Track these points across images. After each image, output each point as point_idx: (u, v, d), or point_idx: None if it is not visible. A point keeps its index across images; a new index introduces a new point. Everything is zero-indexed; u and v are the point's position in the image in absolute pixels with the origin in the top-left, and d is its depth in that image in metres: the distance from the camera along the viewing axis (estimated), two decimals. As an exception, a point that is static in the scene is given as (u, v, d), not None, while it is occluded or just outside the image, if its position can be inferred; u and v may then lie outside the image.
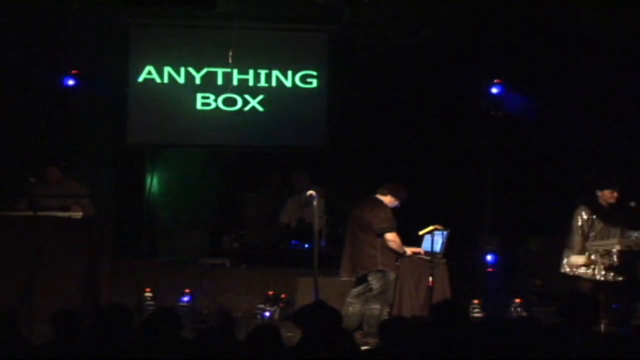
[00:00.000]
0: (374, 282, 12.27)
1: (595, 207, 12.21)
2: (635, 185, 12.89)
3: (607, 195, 12.20)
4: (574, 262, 12.17)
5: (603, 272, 12.09)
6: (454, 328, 7.65)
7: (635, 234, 11.94)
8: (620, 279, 12.09)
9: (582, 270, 12.14)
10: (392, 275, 12.29)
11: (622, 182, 12.40)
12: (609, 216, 12.18)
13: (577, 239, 12.20)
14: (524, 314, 13.07)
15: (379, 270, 12.27)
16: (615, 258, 12.03)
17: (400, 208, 12.53)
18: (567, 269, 12.28)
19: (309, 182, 14.90)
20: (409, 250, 12.42)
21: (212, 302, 13.33)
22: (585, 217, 12.17)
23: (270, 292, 13.52)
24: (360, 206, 12.69)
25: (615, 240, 12.04)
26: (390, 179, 12.75)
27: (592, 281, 12.11)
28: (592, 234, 12.16)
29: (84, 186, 13.38)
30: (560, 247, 14.74)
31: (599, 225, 12.17)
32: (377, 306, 12.20)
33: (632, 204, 12.19)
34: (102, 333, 7.63)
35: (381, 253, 12.25)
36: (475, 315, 13.03)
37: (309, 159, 15.91)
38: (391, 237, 12.24)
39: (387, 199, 12.40)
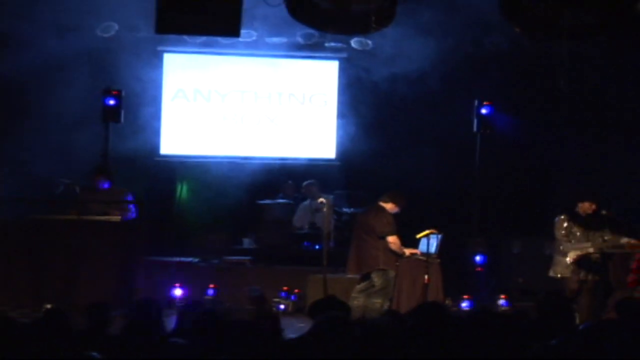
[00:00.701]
0: (376, 279, 12.22)
1: (574, 216, 12.17)
2: (611, 196, 12.86)
3: (586, 207, 12.16)
4: (560, 262, 12.16)
5: (584, 273, 12.05)
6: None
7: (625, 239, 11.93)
8: (598, 278, 12.07)
9: (567, 272, 12.10)
10: (392, 274, 12.24)
11: (600, 195, 12.37)
12: (587, 224, 12.14)
13: (560, 244, 12.18)
14: (508, 308, 13.02)
15: (380, 269, 12.22)
16: (590, 260, 12.01)
17: (400, 214, 12.48)
18: (554, 274, 12.24)
19: (319, 190, 14.89)
20: (407, 252, 12.37)
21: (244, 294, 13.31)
22: (565, 225, 12.13)
23: (285, 288, 13.49)
24: (364, 212, 12.69)
25: (589, 244, 12.00)
26: (392, 189, 12.71)
27: (577, 281, 12.08)
28: (572, 241, 12.12)
29: (127, 192, 13.38)
30: (539, 250, 14.78)
31: (578, 232, 12.12)
32: (379, 300, 12.15)
33: (604, 212, 12.17)
34: (136, 324, 7.58)
35: (383, 254, 12.20)
36: (465, 309, 12.99)
37: (319, 170, 15.86)
38: (392, 240, 12.19)
39: (389, 206, 12.36)
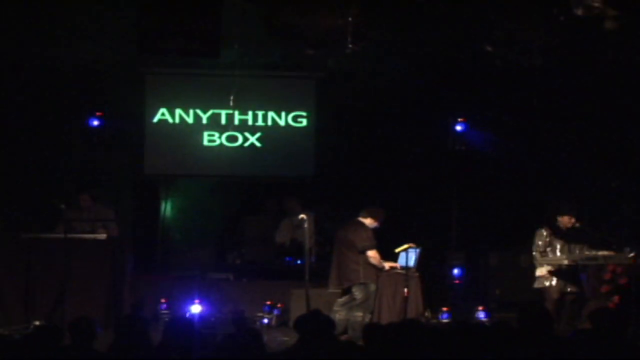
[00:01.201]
0: (357, 292, 12.30)
1: (554, 230, 12.31)
2: (587, 208, 13.00)
3: (565, 221, 12.31)
4: (540, 274, 12.30)
5: (562, 284, 12.20)
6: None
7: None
8: (576, 290, 12.22)
9: (548, 283, 12.24)
10: (372, 287, 12.33)
11: (579, 209, 12.50)
12: (567, 237, 12.29)
13: (539, 256, 12.32)
14: (487, 319, 13.10)
15: (361, 283, 12.31)
16: (564, 271, 12.16)
17: (379, 229, 12.57)
18: (540, 285, 12.38)
19: (301, 207, 14.95)
20: (387, 265, 12.46)
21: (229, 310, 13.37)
22: (545, 238, 12.28)
23: (268, 302, 13.54)
24: (344, 227, 12.76)
25: (564, 257, 12.14)
26: (370, 204, 12.80)
27: (556, 292, 12.22)
28: (550, 254, 12.26)
29: (111, 211, 13.44)
30: (516, 262, 14.91)
31: (558, 246, 12.27)
32: (360, 313, 12.23)
33: (577, 224, 12.32)
34: (124, 339, 7.62)
35: (363, 268, 12.29)
36: (444, 320, 13.07)
37: (300, 187, 15.93)
38: (372, 254, 12.29)
39: (368, 221, 12.46)
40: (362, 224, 12.45)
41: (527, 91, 15.02)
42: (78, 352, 7.27)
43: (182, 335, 7.38)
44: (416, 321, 8.47)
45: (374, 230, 12.47)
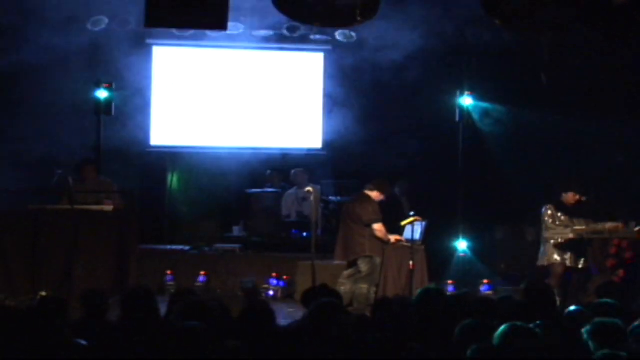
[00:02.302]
0: (363, 265, 12.32)
1: (559, 206, 12.31)
2: (593, 182, 12.98)
3: (570, 197, 12.31)
4: (545, 250, 12.32)
5: (568, 258, 12.20)
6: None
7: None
8: (581, 264, 12.23)
9: (553, 258, 12.24)
10: (378, 260, 12.34)
11: (584, 185, 12.49)
12: (572, 213, 12.28)
13: (546, 232, 12.33)
14: (491, 293, 13.12)
15: (367, 256, 12.32)
16: (570, 245, 12.15)
17: (385, 202, 12.59)
18: (545, 262, 12.38)
19: (308, 179, 14.97)
20: (392, 239, 12.47)
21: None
22: (550, 214, 12.28)
23: (274, 274, 13.57)
24: (351, 201, 12.79)
25: (568, 231, 12.14)
26: (377, 177, 12.80)
27: (561, 266, 12.22)
28: (557, 229, 12.26)
29: (114, 183, 13.47)
30: (521, 236, 14.91)
31: (563, 221, 12.26)
32: (366, 286, 12.26)
33: (584, 199, 12.31)
34: (130, 311, 7.64)
35: (369, 241, 12.31)
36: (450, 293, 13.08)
37: (307, 160, 15.92)
38: (378, 227, 12.30)
39: (374, 194, 12.46)
40: (369, 197, 12.45)
41: (535, 66, 14.98)
42: (91, 324, 7.30)
43: (188, 307, 7.39)
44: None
45: (380, 203, 12.48)
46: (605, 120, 14.45)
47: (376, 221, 12.32)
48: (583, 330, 6.45)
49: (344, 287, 12.26)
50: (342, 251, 12.62)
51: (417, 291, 8.62)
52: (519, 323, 6.20)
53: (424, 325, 7.30)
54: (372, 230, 12.27)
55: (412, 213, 12.69)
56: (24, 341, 6.26)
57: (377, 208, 12.38)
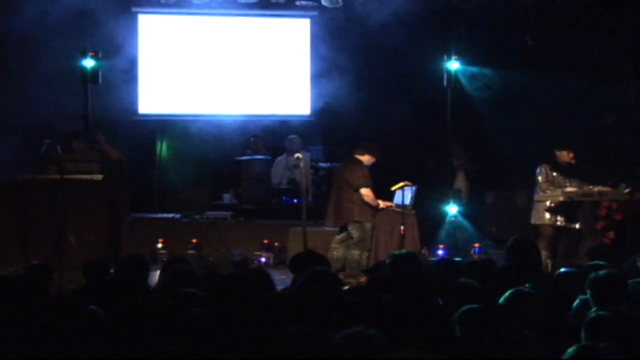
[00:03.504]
0: (353, 231, 12.33)
1: (553, 165, 12.35)
2: (585, 149, 13.00)
3: (564, 155, 12.35)
4: (536, 210, 12.39)
5: (558, 220, 12.27)
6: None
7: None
8: (571, 226, 12.29)
9: (543, 219, 12.31)
10: (368, 225, 12.35)
11: (577, 144, 12.52)
12: (566, 173, 12.32)
13: (538, 192, 12.38)
14: (482, 256, 13.15)
15: (356, 221, 12.33)
16: (560, 207, 12.21)
17: (375, 167, 12.58)
18: (535, 221, 12.46)
19: (301, 146, 14.94)
20: (382, 204, 12.47)
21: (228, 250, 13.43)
22: (545, 173, 12.33)
23: (266, 241, 13.61)
24: (341, 166, 12.78)
25: (559, 192, 12.18)
26: (364, 140, 12.78)
27: (552, 227, 12.29)
28: (549, 189, 12.31)
29: (99, 150, 13.46)
30: (511, 200, 14.94)
31: (557, 181, 12.31)
32: (357, 251, 12.27)
33: (574, 161, 12.36)
34: (123, 279, 7.66)
35: (358, 206, 12.30)
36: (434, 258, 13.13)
37: (296, 126, 15.90)
38: (365, 192, 12.29)
39: (365, 158, 12.44)
40: (358, 162, 12.44)
41: (520, 27, 14.97)
42: (93, 293, 7.32)
43: (180, 275, 7.40)
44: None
45: (371, 166, 12.47)
46: (593, 81, 14.45)
47: (364, 186, 12.30)
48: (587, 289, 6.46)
49: (337, 253, 12.29)
50: (333, 217, 12.63)
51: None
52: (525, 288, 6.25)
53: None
54: (360, 195, 12.27)
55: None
56: (12, 308, 6.29)
57: (366, 172, 12.36)
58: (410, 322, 6.00)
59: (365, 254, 12.30)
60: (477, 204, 15.06)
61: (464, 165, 15.40)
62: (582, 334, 5.45)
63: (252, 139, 15.80)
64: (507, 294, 6.13)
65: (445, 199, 13.73)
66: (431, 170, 14.93)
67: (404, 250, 10.36)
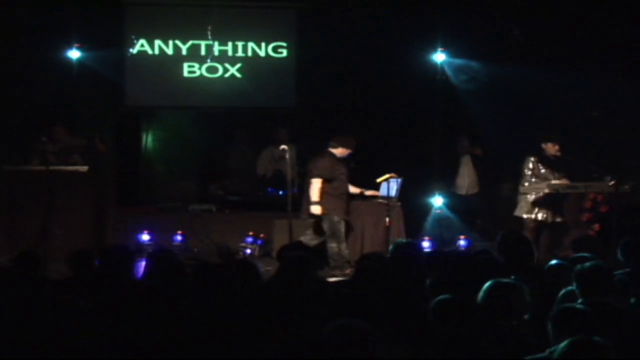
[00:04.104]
0: (323, 225, 12.21)
1: (540, 158, 12.35)
2: (570, 139, 13.02)
3: (550, 148, 12.35)
4: (521, 202, 12.39)
5: (542, 213, 12.27)
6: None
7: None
8: (558, 219, 12.30)
9: (528, 211, 12.32)
10: (335, 218, 12.15)
11: (562, 137, 12.52)
12: (552, 164, 12.32)
13: (524, 184, 12.38)
14: (468, 248, 13.16)
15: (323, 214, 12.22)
16: (545, 199, 12.22)
17: (361, 158, 12.53)
18: (520, 214, 12.47)
19: (287, 137, 14.86)
20: (318, 209, 12.13)
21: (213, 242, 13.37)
22: (531, 166, 12.33)
23: (251, 233, 13.55)
24: (311, 157, 12.70)
25: (544, 184, 12.18)
26: (339, 133, 12.71)
27: (535, 221, 12.29)
28: (534, 180, 12.31)
29: (83, 140, 13.38)
30: (496, 193, 14.93)
31: (544, 173, 12.31)
32: (334, 244, 12.09)
33: (559, 154, 12.37)
34: (108, 270, 7.62)
35: (324, 199, 12.16)
36: (427, 250, 13.10)
37: (281, 118, 15.85)
38: (313, 182, 12.15)
39: (338, 151, 12.30)
40: (327, 154, 12.31)
41: (508, 19, 14.98)
42: (78, 283, 7.29)
43: (165, 266, 7.38)
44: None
45: (356, 159, 12.41)
46: (580, 74, 14.45)
47: (318, 176, 12.12)
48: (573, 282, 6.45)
49: (312, 242, 12.19)
50: (305, 208, 12.53)
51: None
52: (504, 280, 6.21)
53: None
54: (328, 188, 12.13)
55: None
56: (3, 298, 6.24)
57: (327, 164, 12.17)
58: (393, 315, 5.99)
59: (344, 244, 12.15)
60: (462, 196, 14.95)
61: (466, 149, 15.10)
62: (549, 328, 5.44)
63: (237, 131, 15.74)
64: (486, 285, 6.09)
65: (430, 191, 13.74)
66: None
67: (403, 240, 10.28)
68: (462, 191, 14.80)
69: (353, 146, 12.40)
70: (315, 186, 12.10)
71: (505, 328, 5.81)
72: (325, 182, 12.10)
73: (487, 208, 15.06)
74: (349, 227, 12.44)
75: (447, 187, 14.81)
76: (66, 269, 7.91)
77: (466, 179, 14.85)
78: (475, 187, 14.79)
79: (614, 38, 14.58)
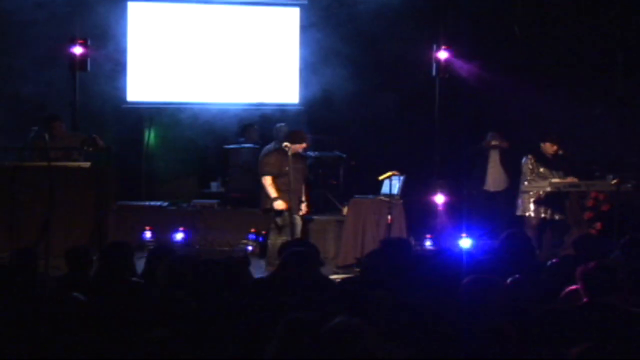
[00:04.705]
0: (277, 220, 12.13)
1: (538, 157, 12.35)
2: (568, 137, 12.99)
3: (548, 147, 12.35)
4: (522, 201, 12.37)
5: (544, 211, 12.26)
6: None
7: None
8: (557, 217, 12.29)
9: (530, 210, 12.30)
10: (285, 213, 12.00)
11: (560, 136, 12.50)
12: (551, 165, 12.31)
13: (525, 184, 12.38)
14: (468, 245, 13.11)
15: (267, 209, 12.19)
16: (547, 198, 12.20)
17: (364, 156, 12.49)
18: (521, 213, 12.45)
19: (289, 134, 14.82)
20: (277, 205, 12.02)
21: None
22: (530, 165, 12.32)
23: (252, 230, 13.51)
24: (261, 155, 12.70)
25: (546, 183, 12.17)
26: (357, 131, 12.71)
27: (537, 218, 12.28)
28: (535, 180, 12.30)
29: (83, 136, 13.36)
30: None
31: (542, 172, 12.30)
32: (283, 239, 11.79)
33: (561, 152, 12.35)
34: (108, 266, 7.60)
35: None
36: (428, 247, 13.08)
37: (284, 115, 15.82)
38: (264, 180, 12.12)
39: (294, 147, 12.10)
40: (275, 150, 12.26)
41: (509, 20, 14.96)
42: (75, 280, 7.27)
43: (167, 263, 7.35)
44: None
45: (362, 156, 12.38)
46: (580, 72, 14.43)
47: (265, 174, 12.07)
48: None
49: (270, 240, 12.10)
50: (261, 204, 12.43)
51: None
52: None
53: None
54: (279, 183, 11.99)
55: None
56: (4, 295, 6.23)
57: (273, 161, 12.07)
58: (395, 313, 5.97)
59: (285, 239, 11.91)
60: (463, 194, 14.91)
61: (496, 145, 14.81)
62: None
63: (245, 127, 15.67)
64: (465, 280, 6.08)
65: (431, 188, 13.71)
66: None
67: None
68: (490, 187, 14.76)
69: (305, 140, 12.25)
70: (266, 183, 12.08)
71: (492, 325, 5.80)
72: (275, 177, 12.03)
73: (486, 206, 15.01)
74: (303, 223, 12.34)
75: (477, 184, 14.76)
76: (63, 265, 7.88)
77: (496, 175, 14.78)
78: (503, 184, 14.69)
79: (617, 36, 14.56)
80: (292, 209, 11.94)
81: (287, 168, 11.81)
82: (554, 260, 7.60)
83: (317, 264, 7.52)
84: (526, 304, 6.20)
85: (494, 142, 14.59)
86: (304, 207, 12.17)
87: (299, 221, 12.10)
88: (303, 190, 12.27)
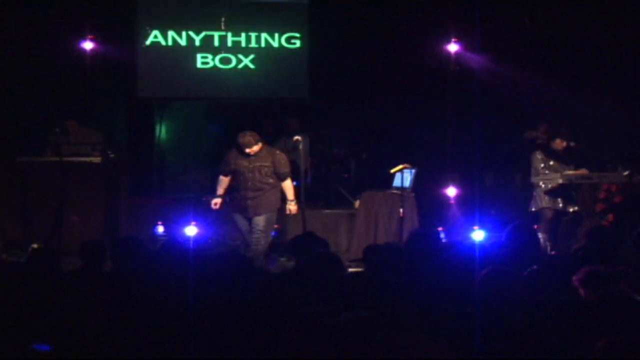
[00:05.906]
0: None
1: (549, 151, 12.35)
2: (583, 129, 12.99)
3: (557, 143, 12.33)
4: (536, 195, 12.38)
5: (558, 202, 12.27)
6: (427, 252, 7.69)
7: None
8: (571, 209, 12.29)
9: (543, 203, 12.30)
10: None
11: (569, 132, 12.50)
12: (561, 159, 12.31)
13: (536, 178, 12.39)
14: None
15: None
16: (559, 190, 12.20)
17: (375, 150, 12.49)
18: (535, 207, 12.46)
19: (299, 128, 14.82)
20: (216, 202, 11.99)
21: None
22: (540, 159, 12.33)
23: (264, 223, 13.48)
24: None
25: (558, 175, 12.16)
26: (366, 126, 12.70)
27: (552, 210, 12.29)
28: (546, 172, 12.30)
29: (98, 133, 13.38)
30: (510, 183, 14.87)
31: (553, 166, 12.30)
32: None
33: (572, 143, 12.35)
34: (120, 260, 7.63)
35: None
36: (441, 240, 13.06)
37: (294, 109, 15.83)
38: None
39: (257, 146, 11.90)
40: (232, 148, 12.02)
41: (520, 13, 14.93)
42: (89, 274, 7.30)
43: (178, 257, 7.37)
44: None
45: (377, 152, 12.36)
46: (592, 65, 14.40)
47: (219, 172, 11.96)
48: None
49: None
50: None
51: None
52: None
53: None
54: (234, 182, 11.81)
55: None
56: (18, 294, 6.24)
57: (225, 158, 11.86)
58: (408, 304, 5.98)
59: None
60: (475, 186, 14.88)
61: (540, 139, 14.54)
62: None
63: (263, 122, 15.66)
64: (483, 271, 6.10)
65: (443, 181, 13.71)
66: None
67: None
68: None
69: (242, 140, 11.77)
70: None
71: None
72: (227, 176, 11.83)
73: (501, 198, 15.00)
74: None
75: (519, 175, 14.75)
76: (79, 260, 7.91)
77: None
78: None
79: (627, 30, 14.52)
80: (233, 208, 11.75)
81: (238, 166, 11.54)
82: (563, 252, 7.59)
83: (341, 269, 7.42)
84: (543, 296, 6.19)
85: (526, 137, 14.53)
86: (292, 206, 11.83)
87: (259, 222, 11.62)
88: (290, 189, 11.81)
